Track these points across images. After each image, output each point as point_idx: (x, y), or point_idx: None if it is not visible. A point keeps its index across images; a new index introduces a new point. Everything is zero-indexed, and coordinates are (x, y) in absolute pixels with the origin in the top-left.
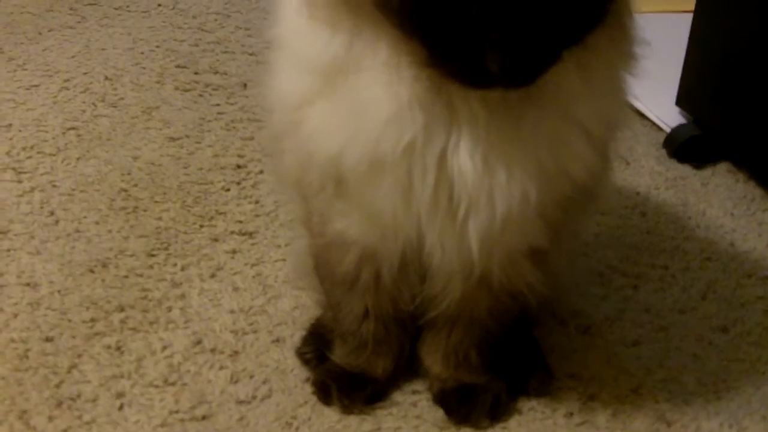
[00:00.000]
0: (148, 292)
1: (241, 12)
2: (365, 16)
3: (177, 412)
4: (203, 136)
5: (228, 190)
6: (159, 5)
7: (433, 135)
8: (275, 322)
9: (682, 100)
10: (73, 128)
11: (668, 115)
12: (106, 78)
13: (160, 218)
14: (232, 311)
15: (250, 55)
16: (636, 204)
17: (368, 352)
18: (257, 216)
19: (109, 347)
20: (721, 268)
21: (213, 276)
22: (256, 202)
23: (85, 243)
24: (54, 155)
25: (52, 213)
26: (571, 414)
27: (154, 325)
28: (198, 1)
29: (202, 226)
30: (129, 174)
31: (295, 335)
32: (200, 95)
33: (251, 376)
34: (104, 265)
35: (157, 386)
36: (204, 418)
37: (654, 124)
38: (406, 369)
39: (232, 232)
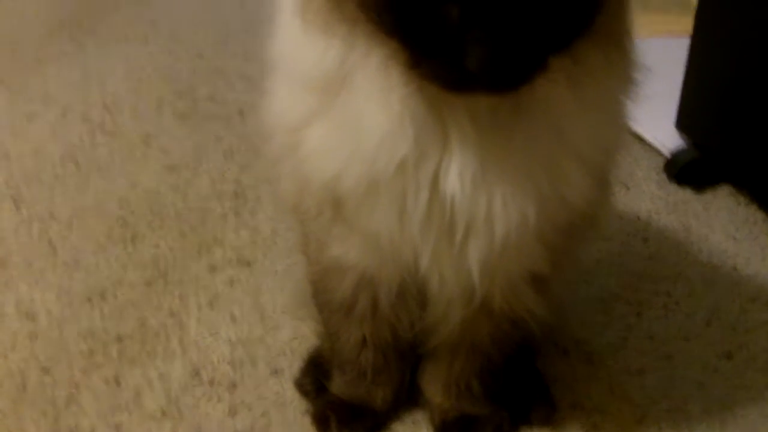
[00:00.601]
0: (146, 322)
1: (239, 40)
2: (358, 23)
3: None
4: (201, 164)
5: (226, 217)
6: (157, 33)
7: (425, 153)
8: (274, 353)
9: (681, 124)
10: (71, 157)
11: (668, 139)
12: (105, 106)
13: (157, 246)
14: (230, 341)
15: (248, 82)
16: (637, 230)
17: (367, 382)
18: (255, 244)
19: (106, 379)
20: (725, 294)
21: (211, 305)
22: (254, 229)
23: (84, 272)
24: (52, 184)
25: (50, 242)
26: None
27: (151, 356)
28: (196, 29)
29: (200, 255)
30: (127, 202)
31: (293, 366)
32: (198, 123)
33: (249, 409)
34: (102, 295)
35: (155, 418)
36: None
37: (653, 147)
38: (407, 399)
39: (230, 261)
